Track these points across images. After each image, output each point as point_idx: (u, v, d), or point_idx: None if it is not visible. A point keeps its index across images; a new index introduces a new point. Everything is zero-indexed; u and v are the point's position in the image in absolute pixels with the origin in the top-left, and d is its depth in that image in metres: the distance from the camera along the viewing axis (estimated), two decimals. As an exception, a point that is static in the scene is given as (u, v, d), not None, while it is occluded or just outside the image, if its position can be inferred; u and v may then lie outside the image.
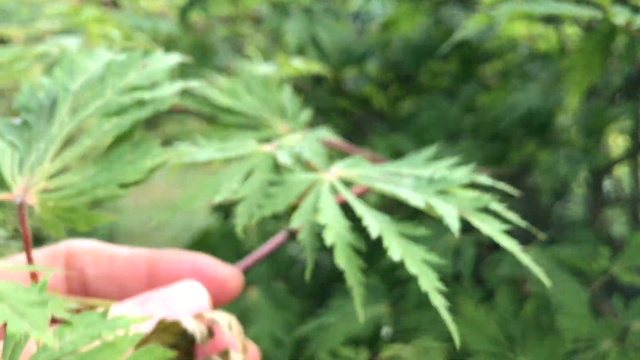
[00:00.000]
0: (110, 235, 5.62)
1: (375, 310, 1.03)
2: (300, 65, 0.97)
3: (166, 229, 6.28)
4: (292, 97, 0.72)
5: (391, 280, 1.16)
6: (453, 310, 0.97)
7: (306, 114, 0.70)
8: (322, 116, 2.55)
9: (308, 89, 1.84)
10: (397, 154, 1.36)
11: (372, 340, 1.12)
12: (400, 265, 1.03)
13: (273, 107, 0.71)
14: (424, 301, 1.03)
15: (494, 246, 1.48)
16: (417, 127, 1.42)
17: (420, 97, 1.57)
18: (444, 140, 1.34)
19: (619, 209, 1.72)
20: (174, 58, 0.40)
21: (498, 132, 1.32)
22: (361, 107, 2.27)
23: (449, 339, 0.98)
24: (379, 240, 0.43)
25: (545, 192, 1.45)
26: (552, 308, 0.87)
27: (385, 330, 1.17)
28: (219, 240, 1.17)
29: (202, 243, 1.22)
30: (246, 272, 0.41)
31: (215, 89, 0.66)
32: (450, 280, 1.06)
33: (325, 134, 0.62)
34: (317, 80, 2.15)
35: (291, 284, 1.14)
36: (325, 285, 1.52)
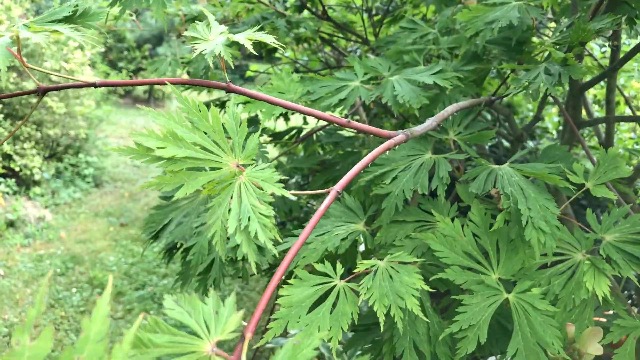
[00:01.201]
0: (96, 179, 5.52)
1: (352, 228, 1.03)
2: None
3: (150, 174, 6.20)
4: (237, 125, 0.69)
5: (367, 200, 1.16)
6: (429, 225, 0.96)
7: (253, 145, 0.69)
8: (306, 43, 2.46)
9: (292, 17, 1.77)
10: (374, 79, 1.32)
11: (349, 257, 1.14)
12: (375, 184, 1.01)
13: (220, 140, 0.67)
14: (398, 218, 1.03)
15: (466, 167, 1.47)
16: (395, 49, 1.39)
17: (402, 22, 1.53)
18: (423, 62, 1.31)
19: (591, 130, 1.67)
20: None
21: (476, 53, 1.30)
22: (345, 33, 2.20)
23: (422, 253, 0.99)
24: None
25: (522, 109, 1.43)
26: (522, 222, 0.88)
27: (361, 247, 1.19)
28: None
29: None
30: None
31: (149, 137, 0.63)
32: (428, 197, 1.06)
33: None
34: (301, 6, 2.08)
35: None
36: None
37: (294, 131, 1.81)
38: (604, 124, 1.82)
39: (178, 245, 1.28)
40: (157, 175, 0.63)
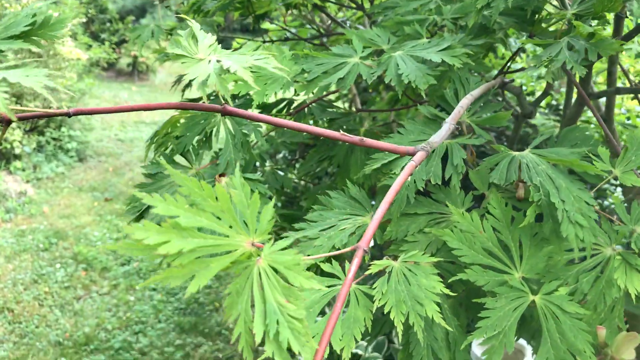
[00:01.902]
0: (80, 153, 5.38)
1: (359, 221, 0.95)
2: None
3: (134, 148, 6.08)
4: (249, 200, 0.58)
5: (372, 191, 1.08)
6: (443, 218, 0.87)
7: (268, 218, 0.57)
8: (296, 9, 2.33)
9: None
10: (375, 53, 1.22)
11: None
12: (383, 173, 0.92)
13: (229, 219, 0.56)
14: (409, 211, 0.95)
15: (482, 154, 1.39)
16: (394, 19, 1.28)
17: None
18: (425, 35, 1.21)
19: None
20: None
21: (485, 26, 1.20)
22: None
23: (437, 249, 0.92)
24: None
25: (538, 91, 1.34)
26: (555, 216, 0.80)
27: (371, 243, 1.11)
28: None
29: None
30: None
31: (147, 231, 0.50)
32: (440, 186, 0.98)
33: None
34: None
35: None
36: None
37: (285, 103, 1.71)
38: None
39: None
40: (164, 273, 0.50)
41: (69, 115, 0.69)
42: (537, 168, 0.85)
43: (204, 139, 1.03)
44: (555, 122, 2.69)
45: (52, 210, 4.17)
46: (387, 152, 0.98)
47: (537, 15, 1.11)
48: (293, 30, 2.52)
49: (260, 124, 1.14)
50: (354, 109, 1.97)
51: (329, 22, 2.32)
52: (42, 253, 3.59)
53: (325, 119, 1.59)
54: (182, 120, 1.05)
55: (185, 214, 0.52)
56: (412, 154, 0.74)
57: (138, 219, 1.15)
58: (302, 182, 2.63)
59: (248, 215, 0.56)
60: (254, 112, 1.06)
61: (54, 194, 4.42)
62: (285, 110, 1.72)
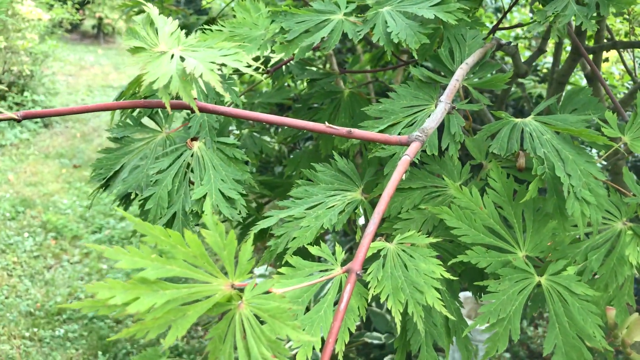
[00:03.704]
0: (45, 119, 5.16)
1: (348, 198, 0.87)
2: None
3: (102, 113, 5.86)
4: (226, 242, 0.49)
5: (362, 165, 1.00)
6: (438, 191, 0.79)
7: (248, 257, 0.49)
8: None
9: None
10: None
11: (347, 230, 0.98)
12: (373, 143, 0.82)
13: (204, 263, 0.48)
14: (403, 185, 0.88)
15: (480, 123, 1.29)
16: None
17: None
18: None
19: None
20: None
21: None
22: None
23: (434, 227, 0.85)
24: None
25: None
26: (559, 190, 0.74)
27: (361, 220, 1.03)
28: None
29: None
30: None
31: (112, 289, 0.43)
32: (434, 156, 0.91)
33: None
34: None
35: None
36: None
37: (261, 61, 1.60)
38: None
39: (133, 197, 1.09)
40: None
41: (18, 120, 0.60)
42: (541, 138, 0.77)
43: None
44: (535, 82, 2.62)
45: (17, 178, 4.01)
46: (377, 120, 0.89)
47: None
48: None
49: (235, 80, 1.04)
50: (329, 67, 1.86)
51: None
52: (9, 222, 3.45)
53: (305, 79, 1.49)
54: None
55: (153, 264, 0.46)
56: (406, 144, 0.67)
57: (104, 186, 1.06)
58: (276, 147, 2.53)
59: (225, 256, 0.49)
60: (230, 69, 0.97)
61: (19, 161, 4.25)
62: (262, 70, 1.61)
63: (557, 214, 0.76)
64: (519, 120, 0.82)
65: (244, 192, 0.89)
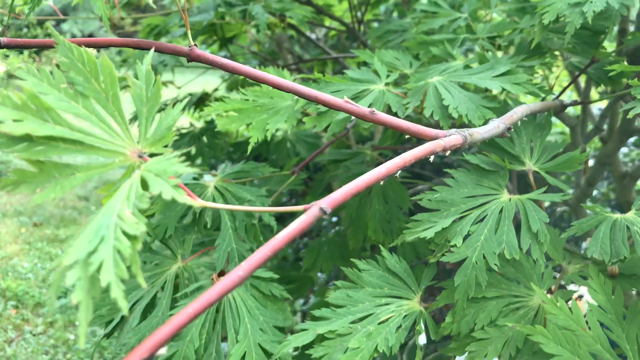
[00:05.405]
0: (0, 174, 4.88)
1: (404, 308, 0.69)
2: None
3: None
4: None
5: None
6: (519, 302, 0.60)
7: (170, 123, 0.45)
8: (269, 30, 2.06)
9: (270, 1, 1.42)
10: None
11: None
12: (436, 243, 0.66)
13: (116, 111, 0.44)
14: (476, 294, 0.71)
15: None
16: (418, 39, 1.06)
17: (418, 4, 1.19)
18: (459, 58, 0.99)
19: None
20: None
21: (538, 44, 0.98)
22: (323, 18, 1.86)
23: (517, 350, 0.67)
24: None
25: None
26: None
27: (422, 339, 0.86)
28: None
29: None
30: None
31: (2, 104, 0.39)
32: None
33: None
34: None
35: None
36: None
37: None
38: None
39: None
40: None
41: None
42: None
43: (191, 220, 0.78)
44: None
45: (-29, 240, 3.76)
46: (434, 213, 0.73)
47: (601, 36, 0.90)
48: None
49: (263, 191, 0.88)
50: (353, 143, 1.70)
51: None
52: (-37, 291, 3.19)
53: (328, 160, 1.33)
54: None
55: (59, 95, 0.39)
56: (442, 137, 0.58)
57: (108, 336, 0.88)
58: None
59: (144, 113, 0.42)
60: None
61: (-28, 221, 4.01)
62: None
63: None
64: (618, 216, 0.66)
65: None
